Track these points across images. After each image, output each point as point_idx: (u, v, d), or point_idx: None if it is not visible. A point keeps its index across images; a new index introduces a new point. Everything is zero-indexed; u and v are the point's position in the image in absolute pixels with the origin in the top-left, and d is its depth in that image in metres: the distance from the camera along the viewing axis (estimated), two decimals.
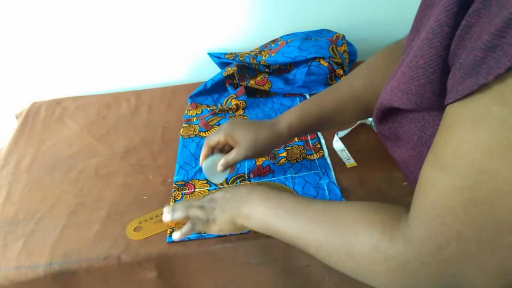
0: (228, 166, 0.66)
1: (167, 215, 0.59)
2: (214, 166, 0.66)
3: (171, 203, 0.71)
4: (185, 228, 0.59)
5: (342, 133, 0.82)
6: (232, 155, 0.64)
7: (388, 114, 0.47)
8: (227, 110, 0.92)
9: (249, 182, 0.74)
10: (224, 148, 0.67)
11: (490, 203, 0.31)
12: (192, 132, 0.88)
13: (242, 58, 0.96)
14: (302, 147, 0.81)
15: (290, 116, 0.65)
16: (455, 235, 0.33)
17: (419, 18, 0.48)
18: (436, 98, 0.37)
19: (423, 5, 0.48)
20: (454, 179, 0.32)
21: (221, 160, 0.65)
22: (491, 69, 0.28)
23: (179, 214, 0.59)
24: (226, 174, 0.68)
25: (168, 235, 0.65)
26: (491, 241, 0.32)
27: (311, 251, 0.47)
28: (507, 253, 0.32)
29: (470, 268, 0.34)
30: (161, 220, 0.67)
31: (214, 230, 0.60)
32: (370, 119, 0.84)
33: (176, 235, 0.59)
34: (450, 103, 0.34)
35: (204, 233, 0.62)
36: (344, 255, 0.43)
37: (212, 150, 0.67)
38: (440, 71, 0.35)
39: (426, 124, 0.41)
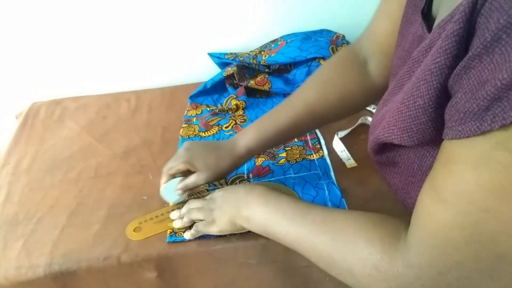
0: (187, 190, 0.65)
1: (178, 223, 0.64)
2: (172, 189, 0.66)
3: (171, 203, 0.71)
4: (192, 230, 0.62)
5: (342, 133, 0.82)
6: (192, 180, 0.64)
7: (384, 145, 0.47)
8: (227, 110, 0.92)
9: (248, 183, 0.74)
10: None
11: (492, 239, 0.31)
12: (192, 133, 0.88)
13: (242, 58, 0.96)
14: (302, 148, 0.81)
15: (247, 137, 0.64)
16: (456, 264, 0.34)
17: (402, 33, 0.48)
18: (438, 133, 0.37)
19: (404, 21, 0.48)
20: (455, 215, 0.33)
21: (180, 184, 0.65)
22: (496, 117, 0.28)
23: (186, 220, 0.63)
24: (184, 196, 0.67)
25: (168, 235, 0.65)
26: (492, 271, 0.33)
27: (312, 260, 0.48)
28: (508, 281, 0.33)
29: None
30: (161, 221, 0.67)
31: (215, 231, 0.60)
32: (370, 119, 0.84)
33: (187, 235, 0.63)
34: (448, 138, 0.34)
35: (205, 233, 0.62)
36: (344, 270, 0.43)
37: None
38: (441, 107, 0.36)
39: (426, 153, 0.41)
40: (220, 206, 0.60)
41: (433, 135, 0.38)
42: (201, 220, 0.62)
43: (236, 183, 0.74)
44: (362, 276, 0.41)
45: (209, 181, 0.64)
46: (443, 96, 0.35)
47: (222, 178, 0.69)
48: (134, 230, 0.67)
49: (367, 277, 0.40)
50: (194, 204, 0.64)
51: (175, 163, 0.65)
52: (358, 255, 0.41)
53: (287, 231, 0.50)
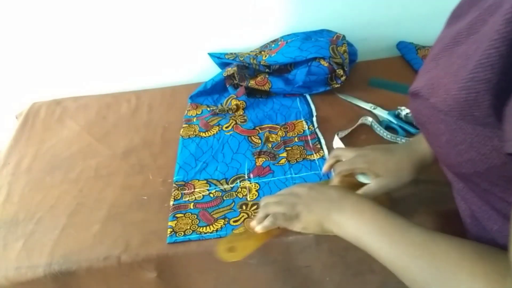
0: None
1: (259, 228, 0.58)
2: None
3: (171, 202, 0.71)
4: (267, 222, 0.57)
5: (342, 133, 0.82)
6: (372, 188, 0.60)
7: (419, 99, 0.42)
8: (227, 111, 0.92)
9: (249, 183, 0.74)
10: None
11: None
12: (192, 133, 0.88)
13: (242, 58, 0.96)
14: (302, 148, 0.81)
15: None
16: None
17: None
18: (467, 108, 0.34)
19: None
20: None
21: (359, 192, 0.61)
22: None
23: (267, 223, 0.57)
24: None
25: (168, 235, 0.65)
26: None
27: (405, 282, 0.45)
28: None
29: None
30: (250, 236, 0.62)
31: (298, 227, 0.56)
32: (370, 119, 0.84)
33: (258, 227, 0.58)
34: None
35: (286, 227, 0.57)
36: None
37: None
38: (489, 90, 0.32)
39: (458, 129, 0.37)
40: (307, 203, 0.55)
41: (477, 111, 0.33)
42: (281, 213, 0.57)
43: (236, 183, 0.74)
44: None
45: (390, 187, 0.60)
46: (493, 84, 0.31)
47: (404, 184, 0.61)
48: (229, 251, 0.61)
49: None
50: (270, 199, 0.59)
51: (351, 166, 0.62)
52: (459, 286, 0.38)
53: (381, 247, 0.47)
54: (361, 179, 0.63)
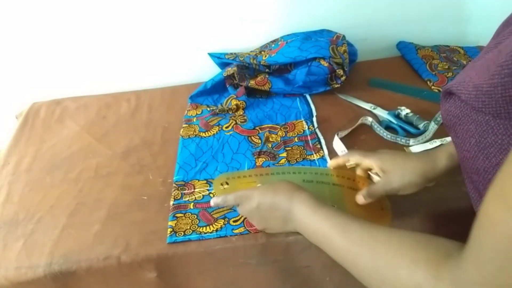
0: (371, 197, 0.61)
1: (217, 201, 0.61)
2: None
3: (171, 202, 0.71)
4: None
5: (342, 133, 0.82)
6: (376, 185, 0.61)
7: (451, 99, 0.42)
8: (227, 111, 0.92)
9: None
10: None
11: None
12: (192, 133, 0.88)
13: (242, 58, 0.96)
14: (302, 148, 0.81)
15: (450, 146, 0.58)
16: None
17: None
18: (504, 105, 0.34)
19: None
20: None
21: (362, 192, 0.61)
22: None
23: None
24: None
25: (168, 235, 0.65)
26: None
27: (355, 275, 0.47)
28: None
29: None
30: (248, 182, 0.69)
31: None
32: (370, 119, 0.84)
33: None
34: None
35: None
36: None
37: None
38: None
39: (489, 130, 0.36)
40: (264, 223, 0.61)
41: (499, 104, 0.34)
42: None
43: None
44: None
45: (393, 187, 0.59)
46: None
47: (410, 190, 0.60)
48: (221, 185, 0.68)
49: None
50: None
51: (361, 155, 0.64)
52: (399, 274, 0.39)
53: (333, 240, 0.50)
54: (374, 178, 0.65)
